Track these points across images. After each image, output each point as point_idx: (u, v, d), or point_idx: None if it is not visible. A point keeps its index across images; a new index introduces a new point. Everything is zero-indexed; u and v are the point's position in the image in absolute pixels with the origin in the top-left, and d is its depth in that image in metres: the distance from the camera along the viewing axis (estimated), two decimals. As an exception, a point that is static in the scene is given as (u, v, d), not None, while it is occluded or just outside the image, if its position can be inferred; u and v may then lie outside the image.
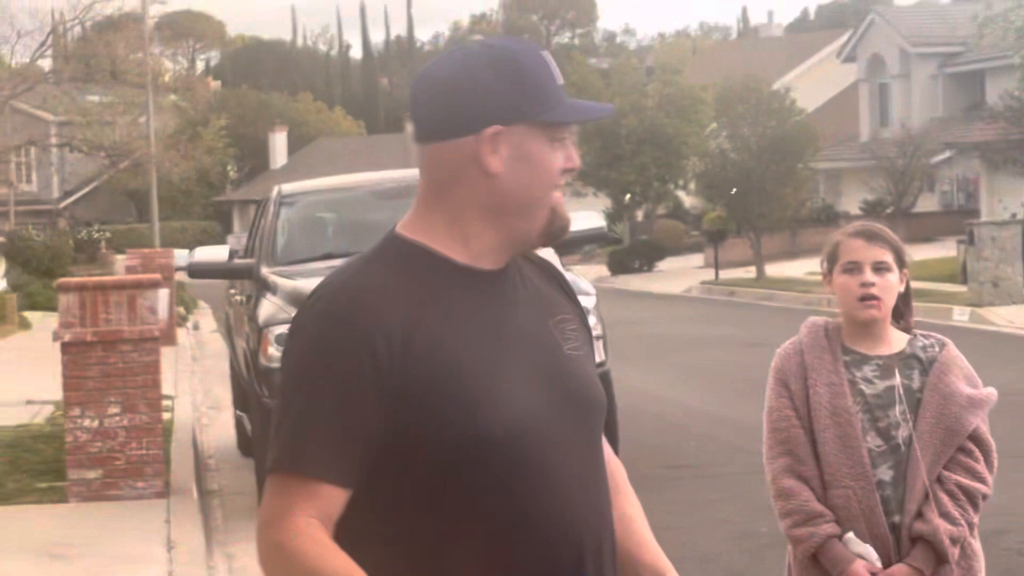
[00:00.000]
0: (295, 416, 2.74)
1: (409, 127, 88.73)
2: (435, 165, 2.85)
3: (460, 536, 2.74)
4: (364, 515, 2.75)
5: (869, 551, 4.48)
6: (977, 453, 4.56)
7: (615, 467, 3.09)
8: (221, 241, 48.35)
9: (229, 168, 74.86)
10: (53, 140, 52.67)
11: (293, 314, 12.24)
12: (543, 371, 2.84)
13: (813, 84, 58.87)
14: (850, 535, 4.50)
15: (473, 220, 2.83)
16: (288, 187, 13.88)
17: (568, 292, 3.05)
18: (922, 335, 4.67)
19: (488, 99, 2.80)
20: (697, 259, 49.17)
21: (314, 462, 2.71)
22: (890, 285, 4.58)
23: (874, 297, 4.55)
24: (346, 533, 2.74)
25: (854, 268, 4.58)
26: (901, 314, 4.67)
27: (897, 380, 4.57)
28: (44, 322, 27.53)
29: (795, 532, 4.53)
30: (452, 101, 2.81)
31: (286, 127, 79.11)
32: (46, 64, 47.50)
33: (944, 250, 38.55)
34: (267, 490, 2.76)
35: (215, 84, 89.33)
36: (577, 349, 2.93)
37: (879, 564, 4.46)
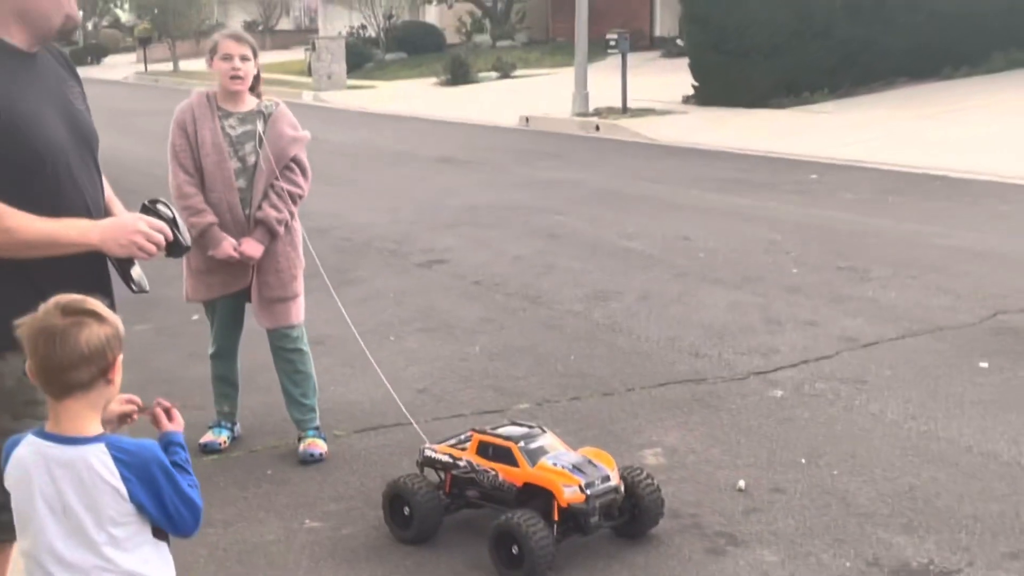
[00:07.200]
0: None
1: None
2: None
3: (30, 208, 2.78)
4: None
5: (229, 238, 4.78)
6: (297, 170, 4.84)
7: (106, 185, 3.18)
8: None
9: None
10: None
11: None
12: (64, 118, 2.93)
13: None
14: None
15: (10, 20, 2.83)
16: None
17: (73, 72, 3.08)
18: (267, 100, 4.85)
19: None
20: (132, 58, 47.35)
21: None
22: (249, 70, 4.75)
23: (240, 77, 4.74)
24: None
25: (228, 57, 4.72)
26: (255, 87, 4.87)
27: (250, 127, 4.77)
28: None
29: (190, 220, 4.67)
30: None
31: None
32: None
33: (296, 55, 38.57)
34: None
35: None
36: (80, 105, 3.02)
37: (236, 241, 4.78)
